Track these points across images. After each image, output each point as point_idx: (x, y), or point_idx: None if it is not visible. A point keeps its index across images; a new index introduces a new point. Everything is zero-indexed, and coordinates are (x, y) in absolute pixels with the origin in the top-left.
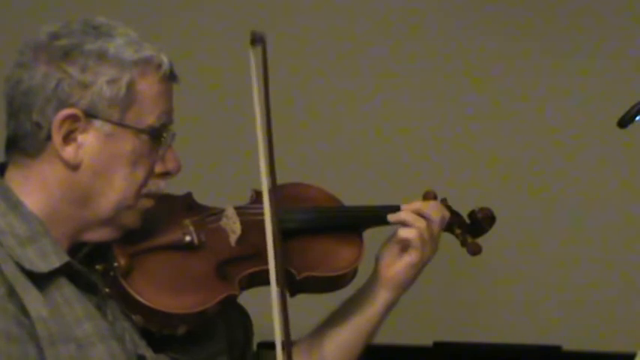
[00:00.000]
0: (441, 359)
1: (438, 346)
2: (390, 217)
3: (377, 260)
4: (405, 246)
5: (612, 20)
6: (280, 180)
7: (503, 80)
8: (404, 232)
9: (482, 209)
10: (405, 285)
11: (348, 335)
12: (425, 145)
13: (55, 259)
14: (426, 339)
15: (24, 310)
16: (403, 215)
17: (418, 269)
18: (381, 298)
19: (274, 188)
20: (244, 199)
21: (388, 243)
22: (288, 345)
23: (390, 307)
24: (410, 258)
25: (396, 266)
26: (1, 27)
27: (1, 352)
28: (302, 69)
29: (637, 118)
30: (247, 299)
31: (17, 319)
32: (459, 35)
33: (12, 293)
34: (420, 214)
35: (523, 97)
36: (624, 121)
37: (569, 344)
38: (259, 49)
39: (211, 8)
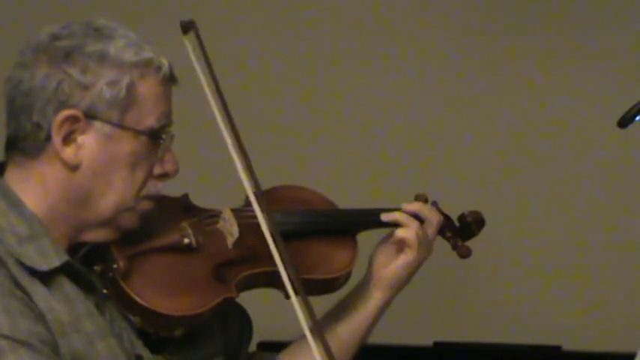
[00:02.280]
0: (440, 359)
1: (438, 346)
2: (384, 217)
3: (371, 261)
4: (401, 246)
5: (612, 20)
6: (274, 183)
7: (501, 81)
8: (401, 232)
9: (471, 212)
10: (399, 285)
11: (341, 335)
12: (416, 148)
13: (55, 258)
14: (426, 339)
15: (31, 300)
16: (397, 215)
17: (412, 270)
18: (375, 298)
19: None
20: (239, 200)
21: (383, 244)
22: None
23: (383, 307)
24: (406, 258)
25: (391, 266)
26: (1, 27)
27: (22, 329)
28: (295, 70)
29: (637, 118)
30: (247, 299)
31: (25, 301)
32: (454, 35)
33: (17, 284)
34: (417, 215)
35: (521, 97)
36: (624, 121)
37: (569, 344)
38: (193, 35)
39: None
